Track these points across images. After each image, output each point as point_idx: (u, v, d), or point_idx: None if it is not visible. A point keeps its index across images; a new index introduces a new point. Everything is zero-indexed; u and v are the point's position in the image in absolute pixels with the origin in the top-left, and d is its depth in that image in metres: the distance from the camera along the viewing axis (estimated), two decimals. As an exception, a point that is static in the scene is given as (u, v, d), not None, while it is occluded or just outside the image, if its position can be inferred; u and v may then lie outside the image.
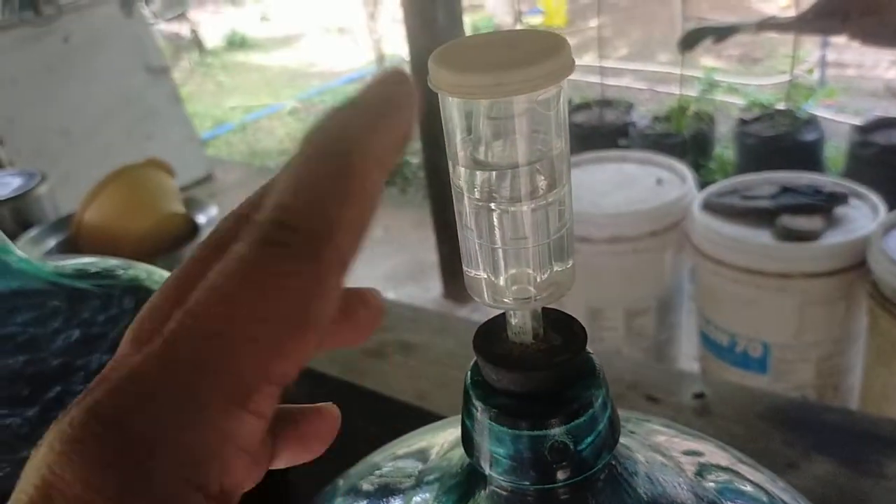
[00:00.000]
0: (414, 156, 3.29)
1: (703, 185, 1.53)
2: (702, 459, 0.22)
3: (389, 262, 2.40)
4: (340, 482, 0.25)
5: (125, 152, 2.45)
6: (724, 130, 2.91)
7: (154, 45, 2.94)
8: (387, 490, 0.23)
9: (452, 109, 0.16)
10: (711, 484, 0.21)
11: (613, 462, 0.19)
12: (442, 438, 0.23)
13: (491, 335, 0.19)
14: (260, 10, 6.47)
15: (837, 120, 2.99)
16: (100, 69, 2.67)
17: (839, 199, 1.27)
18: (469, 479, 0.19)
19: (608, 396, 0.18)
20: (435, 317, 0.66)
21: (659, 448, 0.21)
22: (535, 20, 4.68)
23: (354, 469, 0.25)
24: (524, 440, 0.17)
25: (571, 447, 0.17)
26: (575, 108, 2.95)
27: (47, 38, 2.53)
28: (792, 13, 2.26)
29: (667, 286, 1.52)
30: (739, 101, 3.31)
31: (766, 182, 1.41)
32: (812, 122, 2.40)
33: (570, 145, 0.16)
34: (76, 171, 2.33)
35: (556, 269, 0.17)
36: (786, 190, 1.33)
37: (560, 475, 0.17)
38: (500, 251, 0.17)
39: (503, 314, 0.19)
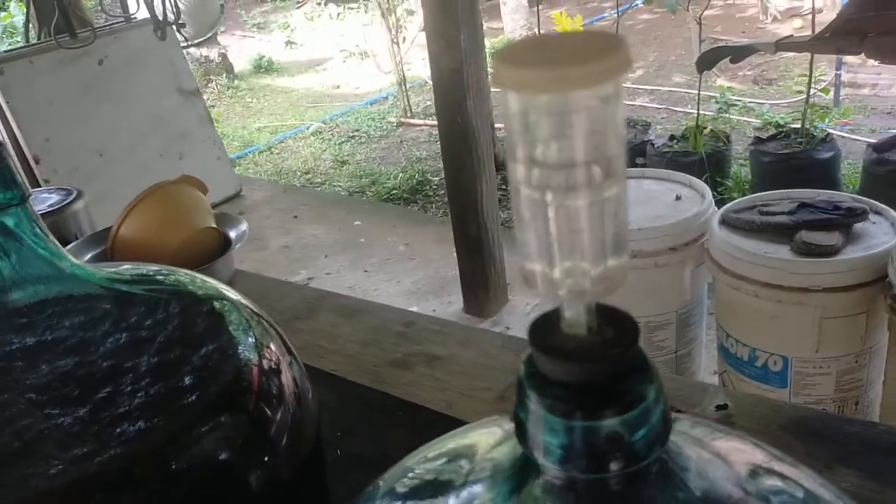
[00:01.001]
0: (434, 175, 3.34)
1: (720, 202, 1.56)
2: (746, 457, 0.22)
3: (412, 278, 2.43)
4: (381, 483, 0.25)
5: (158, 171, 2.51)
6: (739, 149, 2.93)
7: (186, 67, 3.01)
8: (434, 486, 0.23)
9: (513, 106, 0.16)
10: (760, 481, 0.21)
11: (665, 456, 0.19)
12: (481, 438, 0.24)
13: (545, 328, 0.19)
14: (286, 35, 6.58)
15: (852, 138, 3.01)
16: (134, 91, 2.74)
17: (858, 214, 1.29)
18: (522, 469, 0.20)
19: (660, 391, 0.18)
20: (459, 329, 0.66)
21: (704, 445, 0.22)
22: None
23: (393, 471, 0.25)
24: (578, 430, 0.18)
25: (625, 438, 0.18)
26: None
27: (83, 60, 2.61)
28: (807, 34, 2.29)
29: (686, 301, 1.54)
30: (755, 120, 3.33)
31: (784, 198, 1.44)
32: (827, 140, 2.42)
33: (624, 141, 0.17)
34: (111, 189, 2.39)
35: (610, 263, 0.17)
36: (804, 206, 1.35)
37: (613, 465, 0.18)
38: (555, 244, 0.17)
39: (556, 309, 0.19)
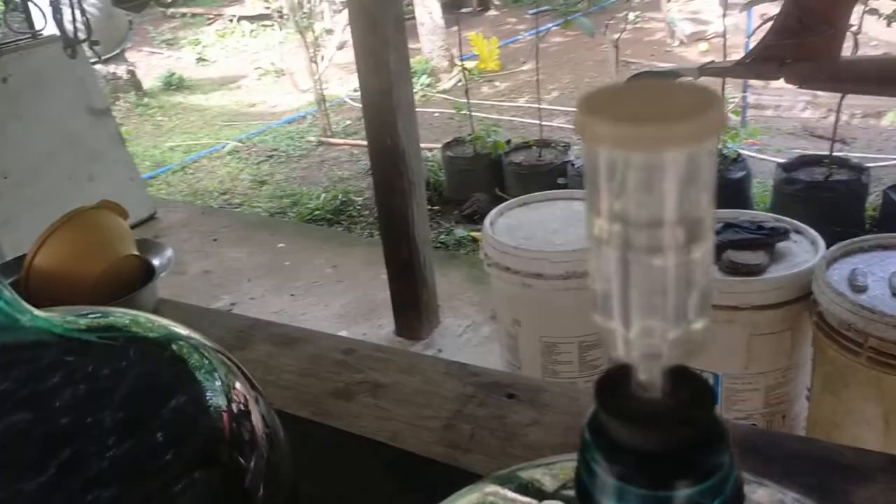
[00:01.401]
0: (358, 195, 3.31)
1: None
2: None
3: (340, 301, 2.40)
4: None
5: (67, 195, 2.40)
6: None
7: (96, 86, 2.90)
8: None
9: (598, 159, 0.15)
10: None
11: None
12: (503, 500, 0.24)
13: (613, 389, 0.18)
14: (196, 52, 6.43)
15: (760, 158, 3.16)
16: (41, 110, 2.62)
17: (781, 234, 1.35)
18: None
19: (734, 459, 0.18)
20: (401, 356, 0.64)
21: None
22: (469, 64, 4.79)
23: None
24: (651, 500, 0.17)
25: None
26: (514, 148, 3.03)
27: (-16, 78, 2.48)
28: (711, 59, 2.39)
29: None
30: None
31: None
32: (738, 160, 2.53)
33: (714, 201, 0.16)
34: (17, 214, 2.27)
35: (690, 326, 0.17)
36: (729, 226, 1.40)
37: None
38: (634, 303, 0.16)
39: (622, 366, 0.18)
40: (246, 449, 0.35)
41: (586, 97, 0.16)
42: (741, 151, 2.66)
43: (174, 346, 0.37)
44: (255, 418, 0.36)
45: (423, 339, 2.09)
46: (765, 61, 1.35)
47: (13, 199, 2.44)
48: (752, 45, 1.78)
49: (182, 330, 0.38)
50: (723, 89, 2.38)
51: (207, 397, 0.35)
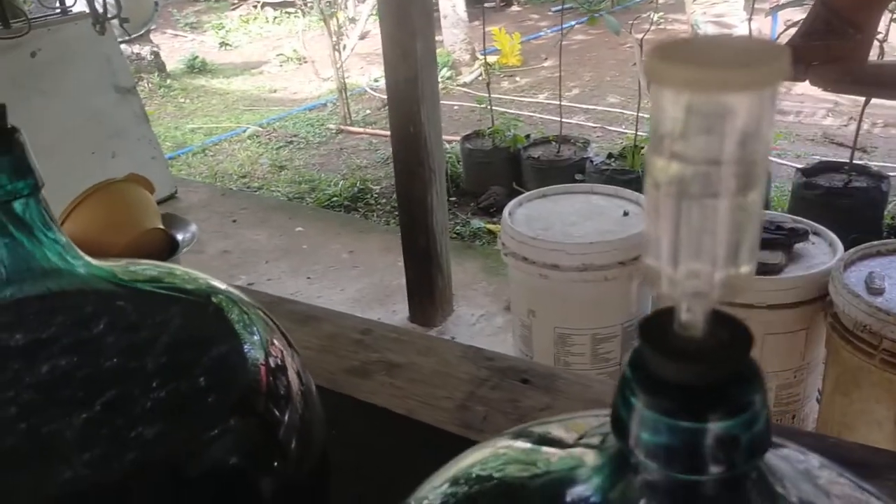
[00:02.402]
0: (375, 183, 3.32)
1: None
2: (833, 477, 0.23)
3: (356, 286, 2.41)
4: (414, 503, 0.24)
5: (90, 170, 2.42)
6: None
7: (123, 64, 2.92)
8: (503, 486, 0.23)
9: (664, 102, 0.16)
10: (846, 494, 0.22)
11: (762, 466, 0.19)
12: (521, 450, 0.24)
13: (657, 328, 0.19)
14: (220, 36, 6.46)
15: (780, 163, 3.15)
16: (67, 86, 2.64)
17: (800, 235, 1.35)
18: (616, 468, 0.20)
19: (766, 400, 0.18)
20: (418, 338, 0.65)
21: (792, 462, 0.22)
22: (491, 59, 4.79)
23: (425, 489, 0.25)
24: (685, 431, 0.18)
25: (729, 442, 0.18)
26: (533, 143, 3.04)
27: (14, 51, 2.50)
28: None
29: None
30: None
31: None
32: (760, 164, 2.51)
33: (769, 147, 0.17)
34: (40, 186, 2.29)
35: (735, 269, 0.17)
36: (747, 225, 1.40)
37: (713, 469, 0.18)
38: (683, 243, 0.17)
39: (667, 309, 0.19)
40: (281, 402, 0.36)
41: (658, 45, 0.16)
42: (761, 155, 2.64)
43: (215, 300, 0.39)
44: (291, 374, 0.37)
45: (437, 326, 2.11)
46: (792, 63, 1.35)
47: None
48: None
49: (221, 286, 0.40)
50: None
51: (246, 349, 0.37)
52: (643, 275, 0.19)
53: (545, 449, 0.24)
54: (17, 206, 0.34)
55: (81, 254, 0.36)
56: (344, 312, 0.71)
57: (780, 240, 1.34)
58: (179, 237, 1.03)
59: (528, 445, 0.25)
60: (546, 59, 5.06)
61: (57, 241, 0.36)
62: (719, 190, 0.16)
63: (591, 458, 0.22)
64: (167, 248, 1.00)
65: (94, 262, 0.37)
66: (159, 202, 2.95)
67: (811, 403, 1.42)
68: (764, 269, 1.30)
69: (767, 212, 1.50)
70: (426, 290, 2.08)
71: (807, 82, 1.43)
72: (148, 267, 0.40)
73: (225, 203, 3.13)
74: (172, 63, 5.68)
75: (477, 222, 2.84)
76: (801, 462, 0.24)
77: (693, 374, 0.18)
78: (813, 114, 3.78)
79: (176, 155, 3.91)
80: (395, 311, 2.22)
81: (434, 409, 0.56)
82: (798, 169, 2.50)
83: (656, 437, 0.18)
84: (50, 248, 0.35)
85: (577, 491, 0.22)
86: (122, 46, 4.44)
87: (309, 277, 2.48)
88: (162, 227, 1.02)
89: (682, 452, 0.18)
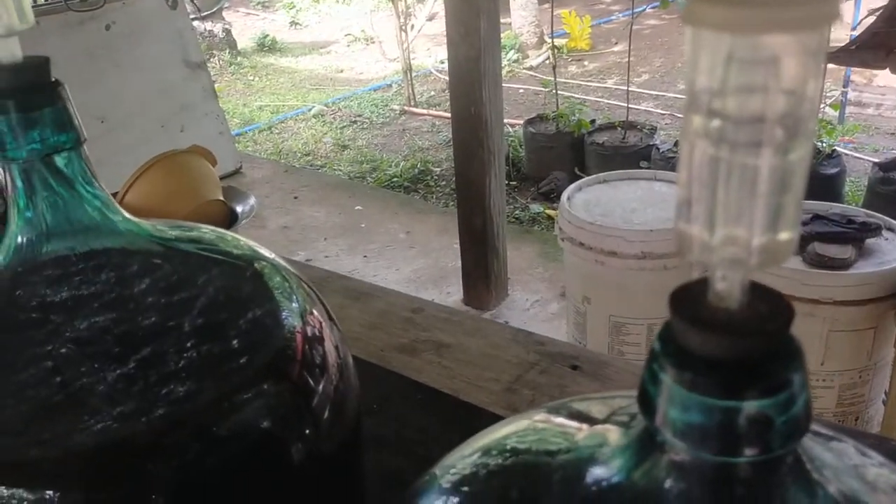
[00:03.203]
0: (436, 165, 3.32)
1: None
2: (878, 466, 0.21)
3: (412, 266, 2.42)
4: (438, 473, 0.23)
5: (159, 142, 2.48)
6: (746, 161, 2.93)
7: (194, 39, 2.98)
8: (526, 465, 0.22)
9: (701, 50, 0.15)
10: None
11: (800, 450, 0.18)
12: (556, 423, 0.23)
13: (689, 299, 0.17)
14: (291, 15, 6.54)
15: (856, 156, 3.02)
16: (139, 59, 2.71)
17: (872, 229, 1.30)
18: (642, 447, 0.19)
19: (806, 379, 0.17)
20: (468, 319, 0.65)
21: (835, 451, 0.21)
22: (559, 42, 4.72)
23: (452, 462, 0.24)
24: (716, 410, 0.17)
25: (764, 423, 0.17)
26: (598, 129, 2.99)
27: (90, 24, 2.57)
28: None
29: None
30: (762, 132, 3.34)
31: (796, 209, 1.44)
32: (833, 156, 2.43)
33: (816, 101, 0.15)
34: (110, 157, 2.35)
35: (775, 235, 0.16)
36: (817, 218, 1.35)
37: (747, 451, 0.17)
38: (720, 206, 0.16)
39: (701, 279, 0.17)
40: (316, 371, 0.36)
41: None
42: (837, 148, 2.55)
43: (256, 265, 0.39)
44: (328, 346, 0.37)
45: (490, 310, 2.10)
46: (871, 49, 1.29)
47: (108, 142, 2.55)
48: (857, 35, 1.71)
49: (267, 253, 0.40)
50: (823, 78, 2.28)
51: (283, 315, 0.37)
52: (675, 241, 0.17)
53: (575, 425, 0.23)
54: (60, 159, 0.34)
55: (122, 211, 0.36)
56: (395, 290, 0.71)
57: (850, 234, 1.28)
58: (239, 209, 1.04)
59: (561, 420, 0.24)
60: (616, 43, 4.97)
61: (97, 197, 0.36)
62: (761, 148, 0.15)
63: (616, 436, 0.21)
64: (226, 220, 1.02)
65: (134, 219, 0.37)
66: (224, 177, 3.02)
67: (876, 405, 1.36)
68: (832, 264, 1.25)
69: (838, 204, 1.44)
70: (481, 273, 2.07)
71: (887, 70, 1.36)
72: (194, 228, 0.40)
73: (287, 180, 3.17)
74: (244, 41, 5.78)
75: (536, 207, 2.81)
76: (853, 457, 0.22)
77: (724, 346, 0.17)
78: (895, 107, 3.61)
79: (243, 131, 3.98)
80: (450, 293, 2.22)
81: (480, 390, 0.56)
82: (875, 163, 2.40)
83: (684, 414, 0.17)
84: (91, 203, 0.36)
85: (599, 470, 0.20)
86: (195, 23, 4.54)
87: (365, 256, 2.50)
88: (222, 198, 1.03)
89: (711, 432, 0.17)
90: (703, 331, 0.17)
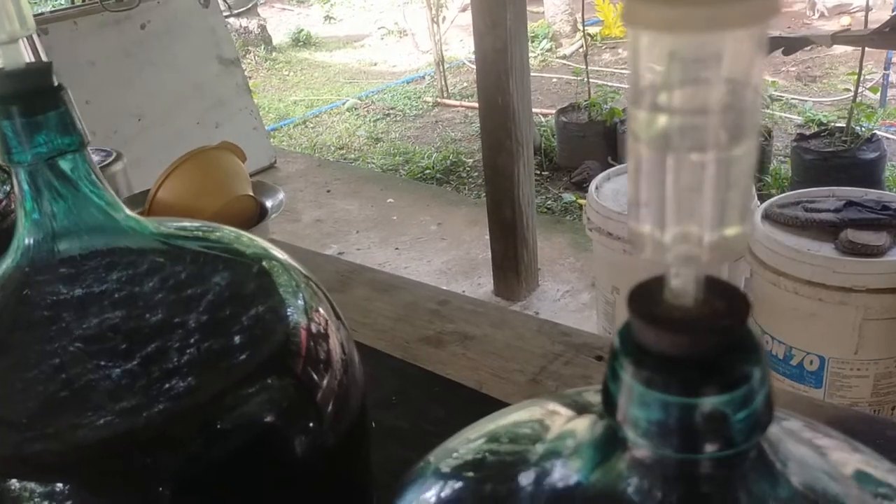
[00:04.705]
0: (468, 156, 3.32)
1: (758, 199, 1.53)
2: (846, 455, 0.21)
3: (443, 258, 2.43)
4: (432, 461, 0.24)
5: (195, 138, 2.52)
6: (780, 146, 2.88)
7: (227, 36, 3.02)
8: (504, 462, 0.22)
9: (641, 48, 0.15)
10: (866, 482, 0.20)
11: (764, 444, 0.18)
12: (538, 414, 0.23)
13: (646, 296, 0.18)
14: (325, 10, 6.57)
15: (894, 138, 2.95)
16: (174, 57, 2.75)
17: (907, 215, 1.27)
18: (606, 444, 0.19)
19: (767, 373, 0.17)
20: (493, 310, 0.65)
21: (801, 440, 0.20)
22: (593, 30, 4.67)
23: (444, 450, 0.24)
24: (675, 407, 0.17)
25: (725, 419, 0.17)
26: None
27: (125, 23, 2.62)
28: (858, 30, 2.23)
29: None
30: (797, 117, 3.27)
31: (829, 195, 1.41)
32: (873, 140, 2.37)
33: (760, 93, 0.15)
34: (148, 154, 2.41)
35: (728, 231, 0.16)
36: (851, 204, 1.32)
37: (708, 447, 0.17)
38: (670, 204, 0.16)
39: (658, 277, 0.18)
40: (319, 367, 0.36)
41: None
42: (877, 132, 2.49)
43: (264, 263, 0.39)
44: (333, 343, 0.37)
45: (521, 300, 2.09)
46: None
47: (145, 140, 2.59)
48: (898, 16, 1.66)
49: (278, 253, 0.40)
50: (861, 62, 2.23)
51: (288, 312, 0.37)
52: (629, 239, 0.17)
53: (562, 415, 0.23)
54: (64, 162, 0.35)
55: (128, 211, 0.37)
56: (422, 282, 0.71)
57: (883, 220, 1.25)
58: (268, 204, 1.06)
59: (557, 409, 0.24)
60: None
61: (102, 198, 0.36)
62: (707, 143, 0.15)
63: (584, 431, 0.21)
64: (256, 215, 1.03)
65: (141, 219, 0.37)
66: (259, 172, 3.05)
67: (914, 396, 1.33)
68: (865, 251, 1.22)
69: (873, 190, 1.40)
70: (510, 264, 2.06)
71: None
72: (203, 227, 0.41)
73: (321, 173, 3.20)
74: (279, 36, 5.83)
75: (568, 197, 2.79)
76: (819, 441, 0.21)
77: (679, 343, 0.17)
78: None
79: (278, 126, 4.02)
80: (480, 285, 2.22)
81: (505, 381, 0.56)
82: (918, 147, 2.33)
83: (644, 412, 0.17)
84: (95, 204, 0.36)
85: (562, 466, 0.21)
86: (231, 20, 4.59)
87: (397, 248, 2.52)
88: (251, 193, 1.05)
89: (671, 429, 0.17)
90: (658, 328, 0.17)
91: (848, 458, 0.21)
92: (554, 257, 2.30)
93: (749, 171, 0.16)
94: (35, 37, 2.49)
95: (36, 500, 0.30)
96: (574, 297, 2.10)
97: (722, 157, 0.15)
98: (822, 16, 4.78)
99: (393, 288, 0.68)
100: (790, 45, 1.76)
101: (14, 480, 0.30)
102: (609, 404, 0.18)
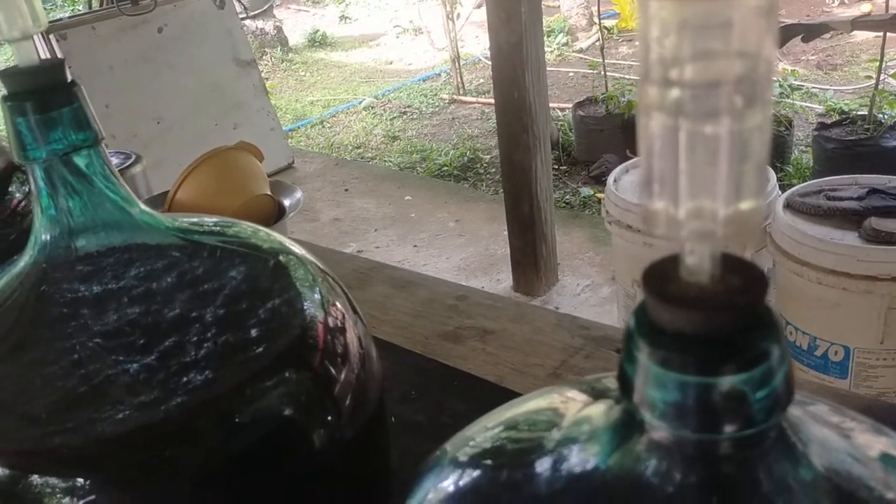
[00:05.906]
0: (486, 153, 3.31)
1: (780, 188, 1.52)
2: (871, 438, 0.21)
3: (461, 254, 2.43)
4: (448, 450, 0.23)
5: (213, 140, 2.52)
6: (801, 135, 2.85)
7: (243, 38, 3.03)
8: (521, 449, 0.22)
9: (651, 19, 0.15)
10: (891, 464, 0.19)
11: (784, 424, 0.17)
12: (554, 402, 0.23)
13: (661, 275, 0.17)
14: (340, 10, 6.59)
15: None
16: (191, 60, 2.77)
17: (931, 202, 1.25)
18: (623, 427, 0.19)
19: (785, 350, 0.17)
20: (512, 305, 0.65)
21: (824, 421, 0.20)
22: (609, 23, 4.64)
23: (461, 438, 0.24)
24: (693, 386, 0.16)
25: (743, 398, 0.16)
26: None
27: (143, 27, 2.64)
28: (882, 15, 2.20)
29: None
30: (818, 106, 3.23)
31: (852, 183, 1.39)
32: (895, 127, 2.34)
33: (771, 63, 0.15)
34: (167, 156, 2.43)
35: (743, 205, 0.15)
36: (874, 192, 1.30)
37: (727, 427, 0.16)
38: (683, 178, 0.15)
39: (673, 255, 0.17)
40: (337, 361, 0.36)
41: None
42: (899, 119, 2.45)
43: (281, 258, 0.39)
44: (350, 337, 0.37)
45: (541, 295, 2.09)
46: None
47: (165, 143, 2.62)
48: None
49: (296, 248, 0.40)
50: (882, 48, 2.20)
51: (305, 306, 0.37)
52: (643, 218, 0.17)
53: (578, 401, 0.23)
54: (79, 158, 0.35)
55: (143, 206, 0.37)
56: (440, 278, 0.71)
57: (908, 208, 1.24)
58: (286, 202, 1.06)
59: (577, 395, 0.24)
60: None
61: (117, 193, 0.37)
62: (719, 116, 0.15)
63: (600, 415, 0.21)
64: (275, 214, 1.04)
65: (156, 214, 0.38)
66: (277, 172, 3.07)
67: (942, 386, 1.31)
68: (890, 239, 1.20)
69: (892, 177, 1.38)
70: (530, 259, 2.06)
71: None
72: (221, 223, 0.41)
73: (338, 173, 3.21)
74: (295, 37, 5.85)
75: (586, 191, 2.78)
76: (845, 424, 0.21)
77: (694, 321, 0.16)
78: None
79: (296, 127, 4.04)
80: (500, 280, 2.22)
81: (525, 376, 0.56)
82: (941, 134, 2.29)
83: (661, 393, 0.17)
84: (111, 199, 0.37)
85: (579, 451, 0.20)
86: (247, 22, 4.62)
87: (415, 245, 2.52)
88: (269, 193, 1.05)
89: (689, 410, 0.17)
90: (673, 306, 0.17)
91: (874, 441, 0.21)
92: (573, 252, 2.29)
93: (763, 143, 0.15)
94: (54, 42, 2.52)
95: (57, 494, 0.30)
96: (594, 291, 2.09)
97: (736, 128, 0.15)
98: (842, 3, 4.72)
99: (411, 284, 0.68)
100: (809, 32, 1.74)
101: (35, 475, 0.31)
102: (625, 387, 0.18)
